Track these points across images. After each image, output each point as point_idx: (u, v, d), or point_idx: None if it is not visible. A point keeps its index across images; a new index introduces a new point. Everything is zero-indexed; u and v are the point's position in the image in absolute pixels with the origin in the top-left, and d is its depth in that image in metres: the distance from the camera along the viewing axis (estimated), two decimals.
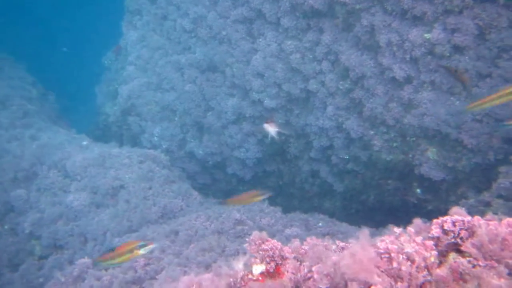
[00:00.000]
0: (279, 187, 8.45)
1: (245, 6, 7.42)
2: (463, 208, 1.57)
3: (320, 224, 5.51)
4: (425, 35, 5.48)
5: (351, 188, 7.32)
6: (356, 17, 6.18)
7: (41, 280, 5.62)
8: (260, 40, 7.37)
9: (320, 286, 1.37)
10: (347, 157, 7.03)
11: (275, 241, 1.88)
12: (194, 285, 1.73)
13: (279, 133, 5.76)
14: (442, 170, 5.85)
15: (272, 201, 7.10)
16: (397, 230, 1.47)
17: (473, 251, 1.37)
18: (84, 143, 7.50)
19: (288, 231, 4.90)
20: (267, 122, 5.52)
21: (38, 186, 6.70)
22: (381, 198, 7.01)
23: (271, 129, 5.72)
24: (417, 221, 1.54)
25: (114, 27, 10.89)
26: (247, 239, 2.05)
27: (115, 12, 11.99)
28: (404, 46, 5.68)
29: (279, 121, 6.40)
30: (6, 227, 6.37)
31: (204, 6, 8.00)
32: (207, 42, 8.11)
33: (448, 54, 5.41)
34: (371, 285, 1.24)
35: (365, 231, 1.55)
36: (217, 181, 8.79)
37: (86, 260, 4.56)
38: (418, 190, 6.39)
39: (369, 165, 6.77)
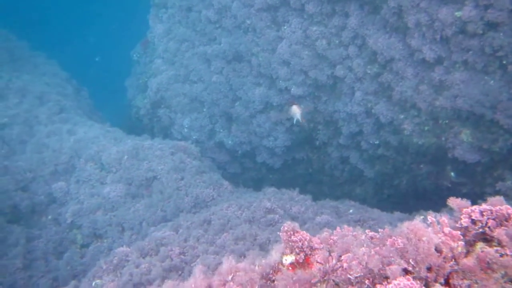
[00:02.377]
0: (309, 174, 8.46)
1: None
2: (502, 197, 1.54)
3: (350, 211, 5.50)
4: (456, 13, 5.27)
5: (382, 174, 7.24)
6: None
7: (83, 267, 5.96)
8: (285, 27, 7.31)
9: (350, 276, 1.41)
10: (377, 142, 6.94)
11: (304, 232, 1.92)
12: (232, 273, 1.81)
13: (306, 117, 5.91)
14: (477, 152, 5.68)
15: (302, 188, 7.12)
16: (431, 218, 1.47)
17: (504, 238, 1.36)
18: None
19: (318, 218, 4.93)
20: (291, 105, 5.67)
21: (77, 178, 7.03)
22: (413, 183, 6.90)
23: (297, 111, 5.84)
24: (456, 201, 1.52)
25: (142, 21, 11.08)
26: (280, 228, 2.11)
27: (142, 6, 12.19)
28: (434, 26, 5.49)
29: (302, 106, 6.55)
30: (49, 217, 6.76)
31: None
32: (232, 32, 8.13)
33: (481, 32, 5.19)
34: (405, 274, 1.27)
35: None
36: (247, 170, 8.90)
37: (125, 248, 4.79)
38: (452, 174, 6.24)
39: (400, 149, 6.66)
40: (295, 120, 6.25)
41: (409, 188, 7.09)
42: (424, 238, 1.32)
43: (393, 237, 1.41)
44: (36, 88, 9.16)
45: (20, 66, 10.15)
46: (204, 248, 4.39)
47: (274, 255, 2.00)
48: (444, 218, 1.46)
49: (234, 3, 7.86)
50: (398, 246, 1.34)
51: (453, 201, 1.68)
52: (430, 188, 6.76)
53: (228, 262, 2.04)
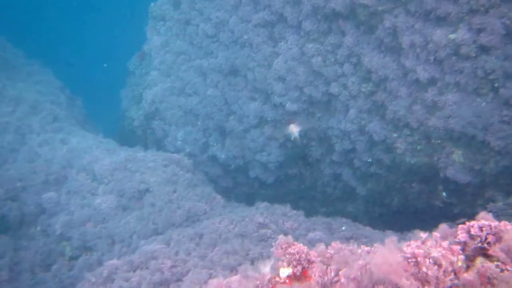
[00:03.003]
0: (301, 190, 8.46)
1: (266, 10, 7.48)
2: (491, 213, 1.57)
3: (343, 227, 5.50)
4: (450, 35, 5.40)
5: (374, 192, 7.26)
6: (378, 19, 6.14)
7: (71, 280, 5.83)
8: (282, 43, 7.41)
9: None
10: (370, 160, 6.98)
11: (301, 245, 1.92)
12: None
13: (301, 135, 5.78)
14: (469, 173, 5.74)
15: (294, 204, 7.12)
16: (423, 235, 1.49)
17: (501, 255, 1.37)
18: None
19: (311, 234, 4.92)
20: (289, 123, 5.58)
21: (68, 189, 6.94)
22: (405, 202, 6.93)
23: (294, 130, 5.76)
24: (443, 226, 1.55)
25: (139, 33, 11.16)
26: (272, 244, 2.10)
27: (139, 18, 12.29)
28: (428, 47, 5.61)
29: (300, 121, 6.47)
30: (38, 228, 6.64)
31: (226, 11, 8.11)
32: (228, 47, 8.21)
33: (474, 55, 5.31)
34: None
35: (393, 237, 1.58)
36: (239, 185, 8.87)
37: (115, 261, 4.71)
38: (444, 194, 6.29)
39: (393, 168, 6.71)
40: (292, 138, 6.18)
41: (401, 206, 7.11)
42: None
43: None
44: (29, 96, 9.11)
45: (14, 74, 10.11)
46: (195, 262, 4.33)
47: (269, 268, 1.99)
48: (436, 234, 1.48)
49: (231, 18, 7.97)
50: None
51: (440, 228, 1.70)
52: (421, 207, 6.79)
53: (216, 279, 2.03)
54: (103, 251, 6.18)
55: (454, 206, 6.29)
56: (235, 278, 1.87)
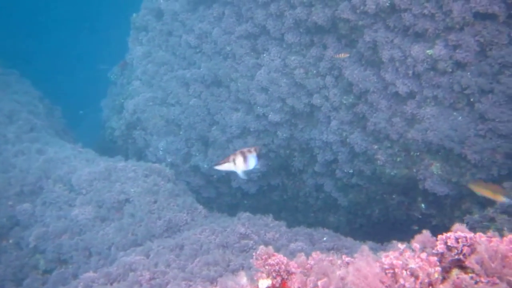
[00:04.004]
0: (284, 201, 8.46)
1: (249, 22, 7.56)
2: (465, 225, 1.59)
3: (324, 238, 5.50)
4: (427, 51, 5.56)
5: (355, 203, 7.33)
6: (359, 33, 6.28)
7: None
8: (264, 55, 7.48)
9: None
10: (351, 171, 7.05)
11: (281, 255, 1.90)
12: None
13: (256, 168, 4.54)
14: (446, 185, 5.86)
15: (276, 214, 7.11)
16: (401, 246, 1.50)
17: (476, 267, 1.39)
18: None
19: (292, 245, 4.90)
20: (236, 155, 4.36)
21: (44, 200, 6.74)
22: (385, 213, 7.01)
23: (241, 166, 4.51)
24: (420, 236, 1.57)
25: (120, 43, 11.09)
26: (253, 254, 2.08)
27: (121, 28, 12.23)
28: (407, 62, 5.76)
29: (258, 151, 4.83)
30: (10, 241, 6.40)
31: (209, 22, 8.15)
32: (211, 58, 8.23)
33: (450, 70, 5.47)
34: None
35: (365, 248, 1.59)
36: (221, 195, 8.81)
37: (91, 274, 4.58)
38: (423, 205, 6.39)
39: (373, 179, 6.79)
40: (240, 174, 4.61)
41: (381, 217, 7.19)
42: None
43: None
44: (5, 106, 8.87)
45: None
46: (175, 273, 4.25)
47: (246, 280, 1.96)
48: (416, 245, 1.50)
49: (214, 29, 8.01)
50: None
51: (417, 238, 1.72)
52: (401, 218, 6.88)
53: None
54: (79, 264, 6.00)
55: (432, 218, 6.39)
56: None
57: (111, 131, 9.89)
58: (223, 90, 8.14)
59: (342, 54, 6.27)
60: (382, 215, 7.07)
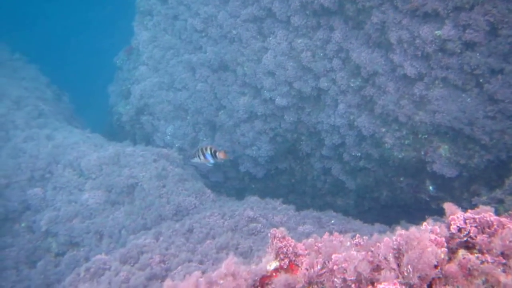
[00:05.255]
0: (292, 185, 8.49)
1: (255, 5, 7.46)
2: (488, 206, 1.59)
3: (332, 221, 5.54)
4: (436, 32, 5.45)
5: (363, 186, 7.33)
6: (366, 15, 6.18)
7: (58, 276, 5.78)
8: (271, 38, 7.40)
9: (335, 281, 1.42)
10: (359, 154, 7.04)
11: (289, 238, 1.93)
12: (204, 284, 1.79)
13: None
14: (455, 167, 5.83)
15: (284, 198, 7.16)
16: (411, 227, 1.51)
17: (483, 248, 1.40)
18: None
19: (300, 228, 4.95)
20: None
21: (54, 185, 6.85)
22: (393, 196, 7.01)
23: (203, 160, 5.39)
24: (430, 220, 1.58)
25: (126, 27, 11.03)
26: (262, 238, 2.10)
27: (126, 13, 12.15)
28: (415, 43, 5.66)
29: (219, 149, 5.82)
30: (23, 225, 6.54)
31: (215, 6, 8.06)
32: (218, 41, 8.17)
33: (459, 51, 5.38)
34: (382, 281, 1.29)
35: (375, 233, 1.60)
36: (229, 179, 8.87)
37: (103, 256, 4.68)
38: (431, 188, 6.38)
39: (381, 162, 6.77)
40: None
41: (389, 200, 7.20)
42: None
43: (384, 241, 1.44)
44: (13, 92, 8.94)
45: None
46: (186, 256, 4.33)
47: (263, 261, 1.99)
48: (427, 225, 1.50)
49: (220, 13, 7.93)
50: (393, 249, 1.36)
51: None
52: (409, 201, 6.88)
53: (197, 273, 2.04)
54: (90, 247, 6.12)
55: (440, 200, 6.38)
56: (223, 271, 1.88)
57: (119, 116, 9.94)
58: (229, 74, 8.10)
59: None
60: (390, 198, 7.08)
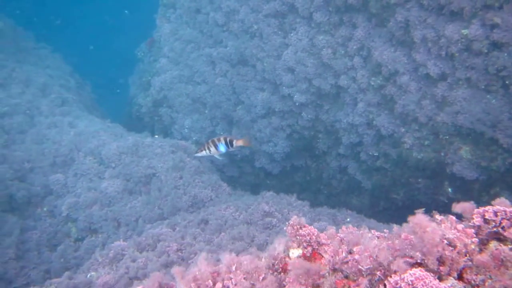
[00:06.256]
0: (306, 182, 8.49)
1: (277, 0, 7.45)
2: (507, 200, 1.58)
3: (348, 219, 5.53)
4: (462, 31, 5.37)
5: (379, 186, 7.28)
6: (390, 12, 6.11)
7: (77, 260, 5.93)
8: (292, 34, 7.39)
9: (360, 268, 1.43)
10: (376, 154, 6.99)
11: (312, 227, 1.95)
12: (235, 264, 1.83)
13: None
14: (476, 170, 5.74)
15: (298, 195, 7.14)
16: (439, 217, 1.51)
17: None
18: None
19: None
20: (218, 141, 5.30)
21: (75, 172, 7.00)
22: (410, 197, 6.94)
23: (213, 152, 5.42)
24: (459, 206, 1.57)
25: (148, 20, 11.16)
26: (277, 231, 2.12)
27: (149, 5, 12.29)
28: (440, 42, 5.59)
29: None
30: (45, 209, 6.71)
31: (237, 0, 8.09)
32: (238, 36, 8.20)
33: (486, 51, 5.28)
34: (413, 266, 1.29)
35: (395, 226, 1.61)
36: (245, 174, 8.91)
37: (121, 242, 4.77)
38: (450, 189, 6.29)
39: (399, 162, 6.71)
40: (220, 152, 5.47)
41: (406, 201, 7.13)
42: (428, 229, 1.35)
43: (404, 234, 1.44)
44: (39, 79, 9.15)
45: (24, 57, 10.15)
46: (201, 246, 4.39)
47: (277, 247, 2.02)
48: (452, 217, 1.50)
49: (242, 7, 7.95)
50: (411, 240, 1.37)
51: (459, 205, 1.72)
52: (426, 203, 6.79)
53: (229, 256, 2.07)
54: (108, 234, 6.25)
55: (459, 202, 6.29)
56: (247, 256, 1.91)
57: (138, 107, 10.08)
58: (249, 70, 8.13)
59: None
60: (407, 198, 7.01)
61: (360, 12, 6.56)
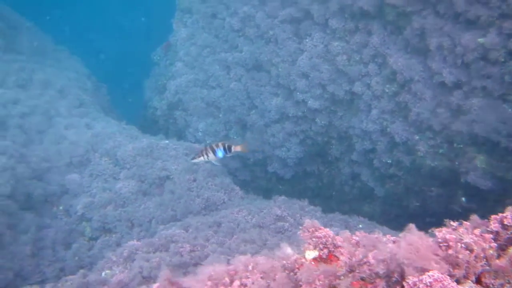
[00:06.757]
0: (318, 188, 8.49)
1: (293, 7, 7.53)
2: None
3: (360, 226, 5.52)
4: (479, 39, 5.35)
5: (392, 193, 7.25)
6: (406, 20, 6.13)
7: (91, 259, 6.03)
8: (307, 40, 7.44)
9: (377, 270, 1.46)
10: (389, 161, 6.97)
11: (328, 229, 1.98)
12: (251, 263, 1.87)
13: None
14: (490, 179, 5.69)
15: (310, 201, 7.15)
16: (454, 223, 1.53)
17: None
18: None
19: None
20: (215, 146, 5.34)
21: (91, 172, 7.13)
22: (423, 205, 6.90)
23: (211, 158, 5.47)
24: (474, 217, 1.60)
25: (164, 25, 11.34)
26: (289, 236, 2.16)
27: (165, 10, 12.49)
28: (456, 51, 5.57)
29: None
30: (61, 208, 6.84)
31: (253, 6, 8.18)
32: (254, 41, 8.28)
33: (503, 60, 5.25)
34: (427, 270, 1.32)
35: (412, 226, 1.64)
36: (257, 178, 8.96)
37: (135, 242, 4.85)
38: (463, 199, 6.24)
39: (412, 170, 6.68)
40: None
41: (418, 210, 7.08)
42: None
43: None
44: (58, 81, 9.36)
45: (44, 60, 10.40)
46: (214, 248, 4.44)
47: (288, 250, 2.05)
48: (468, 223, 1.52)
49: (258, 13, 8.04)
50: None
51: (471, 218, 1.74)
52: (439, 211, 6.74)
53: (244, 256, 2.11)
54: (122, 234, 6.35)
55: (473, 212, 6.22)
56: (263, 257, 1.95)
57: (153, 110, 10.22)
58: (263, 75, 8.20)
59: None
60: (419, 207, 6.97)
61: (376, 19, 6.58)
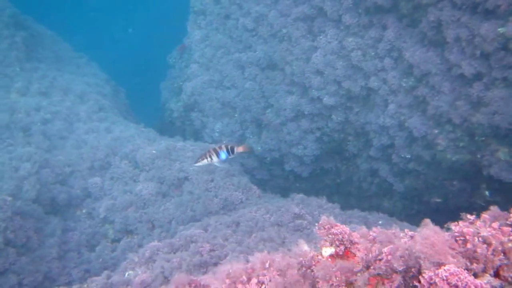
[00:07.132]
0: (337, 185, 8.44)
1: (306, 4, 7.50)
2: None
3: (380, 222, 5.46)
4: (499, 29, 5.22)
5: (412, 188, 7.15)
6: (422, 12, 6.02)
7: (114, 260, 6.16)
8: (321, 37, 7.40)
9: (395, 265, 1.45)
10: (409, 156, 6.87)
11: (344, 226, 1.98)
12: (268, 261, 1.88)
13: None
14: None
15: (329, 198, 7.11)
16: (471, 217, 1.51)
17: None
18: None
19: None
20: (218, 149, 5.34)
21: (112, 175, 7.28)
22: (445, 200, 6.77)
23: (215, 160, 5.47)
24: (494, 208, 1.57)
25: (179, 27, 11.46)
26: (308, 234, 2.16)
27: (179, 13, 12.62)
28: (474, 42, 5.45)
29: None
30: (84, 211, 7.02)
31: (266, 5, 8.19)
32: (267, 40, 8.29)
33: None
34: (444, 265, 1.30)
35: (428, 220, 1.62)
36: (274, 177, 8.96)
37: (156, 243, 4.94)
38: (487, 192, 6.10)
39: (433, 165, 6.57)
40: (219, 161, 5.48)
41: (440, 205, 6.96)
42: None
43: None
44: (77, 87, 9.59)
45: (63, 66, 10.67)
46: (233, 247, 4.47)
47: (305, 247, 2.06)
48: (486, 215, 1.50)
49: (271, 12, 8.04)
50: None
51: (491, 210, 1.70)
52: (462, 206, 6.60)
53: (261, 254, 2.13)
54: (143, 235, 6.46)
55: (497, 206, 6.08)
56: (279, 254, 1.96)
57: (170, 112, 10.35)
58: (278, 73, 8.19)
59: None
60: (441, 202, 6.84)
61: (390, 13, 6.49)
